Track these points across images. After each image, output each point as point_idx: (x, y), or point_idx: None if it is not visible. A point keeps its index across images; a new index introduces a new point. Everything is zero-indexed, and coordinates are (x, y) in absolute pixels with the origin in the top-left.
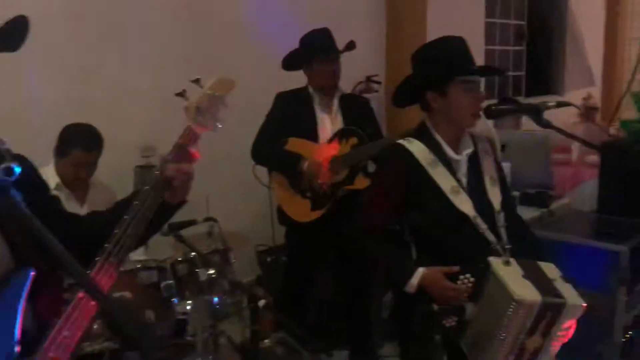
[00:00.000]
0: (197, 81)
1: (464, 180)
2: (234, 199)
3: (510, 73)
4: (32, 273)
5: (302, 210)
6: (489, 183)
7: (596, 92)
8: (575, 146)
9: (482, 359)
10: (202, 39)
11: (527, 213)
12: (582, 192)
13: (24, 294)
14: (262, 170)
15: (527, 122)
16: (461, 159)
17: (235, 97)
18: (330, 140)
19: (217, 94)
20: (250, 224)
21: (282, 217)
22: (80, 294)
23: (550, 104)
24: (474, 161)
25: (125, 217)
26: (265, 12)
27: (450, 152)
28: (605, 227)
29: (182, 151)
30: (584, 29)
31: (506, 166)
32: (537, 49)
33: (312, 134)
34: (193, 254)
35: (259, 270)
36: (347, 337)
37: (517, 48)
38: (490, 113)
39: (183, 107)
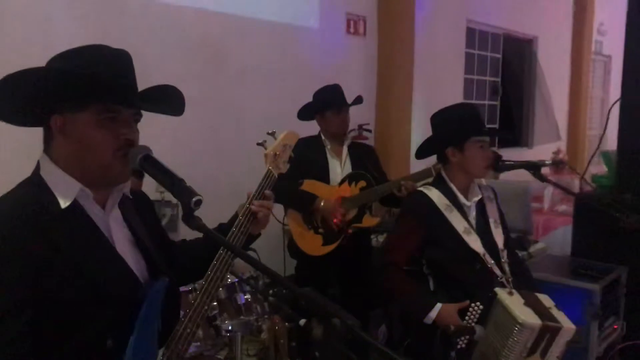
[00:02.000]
0: (272, 134)
1: (473, 222)
2: None
3: (486, 125)
4: (167, 280)
5: (314, 245)
6: (493, 225)
7: (562, 146)
8: (547, 196)
9: None
10: (218, 82)
11: None
12: (555, 237)
13: (160, 301)
14: (277, 209)
15: (504, 174)
16: (471, 204)
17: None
18: (341, 183)
19: (287, 144)
20: (264, 255)
21: (294, 250)
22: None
23: (547, 162)
24: (480, 206)
25: (221, 252)
26: (278, 63)
27: (462, 198)
28: (580, 268)
29: (265, 190)
30: (551, 87)
31: None
32: (510, 104)
33: (324, 177)
34: (230, 279)
35: None
36: None
37: (491, 102)
38: (499, 167)
39: (264, 154)
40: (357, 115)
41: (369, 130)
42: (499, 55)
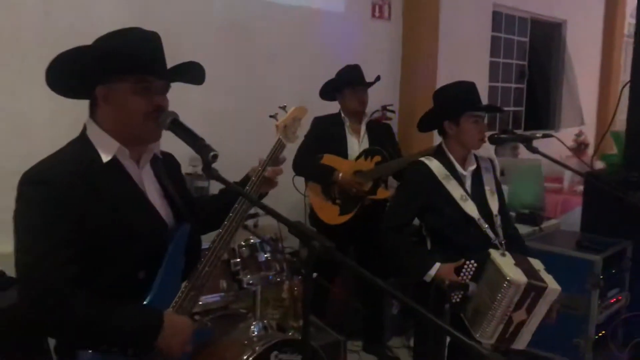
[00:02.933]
0: (284, 108)
1: (469, 190)
2: (273, 205)
3: (511, 108)
4: (189, 226)
5: (332, 215)
6: (489, 193)
7: (589, 130)
8: (567, 176)
9: (479, 327)
10: (247, 64)
11: (521, 229)
12: (572, 217)
13: (184, 243)
14: (298, 181)
15: (522, 152)
16: (467, 174)
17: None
18: (358, 158)
19: (297, 117)
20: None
21: (314, 220)
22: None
23: (537, 135)
24: (476, 175)
25: (247, 187)
26: (303, 47)
27: (459, 168)
28: (585, 242)
29: (275, 156)
30: (580, 72)
31: (504, 189)
32: (536, 88)
33: (342, 152)
34: (252, 239)
35: None
36: (362, 330)
37: (518, 86)
38: (493, 140)
39: (275, 125)
40: (381, 97)
41: (393, 111)
42: (526, 39)
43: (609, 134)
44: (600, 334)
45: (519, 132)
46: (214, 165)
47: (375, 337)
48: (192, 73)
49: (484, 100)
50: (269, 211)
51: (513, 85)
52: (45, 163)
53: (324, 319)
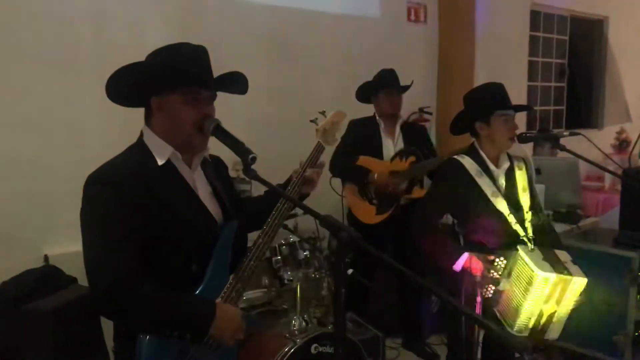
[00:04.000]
0: (323, 113)
1: (501, 187)
2: (312, 205)
3: (552, 107)
4: (236, 223)
5: (369, 214)
6: (521, 190)
7: (636, 128)
8: (608, 175)
9: (512, 320)
10: (287, 72)
11: (559, 228)
12: (612, 215)
13: (232, 239)
14: (335, 182)
15: (562, 152)
16: (499, 171)
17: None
18: (393, 159)
19: (335, 121)
20: None
21: (352, 220)
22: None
23: (565, 133)
24: (510, 173)
25: (288, 188)
26: (340, 53)
27: (492, 166)
28: (623, 239)
29: (314, 159)
30: (623, 67)
31: (541, 187)
32: (578, 86)
33: (377, 153)
34: (292, 238)
35: None
36: (401, 327)
37: (558, 84)
38: (521, 139)
39: (315, 129)
40: (419, 99)
41: (430, 113)
42: (566, 37)
43: None
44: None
45: (559, 131)
46: (253, 166)
47: (414, 334)
48: (236, 83)
49: (523, 100)
50: (301, 206)
51: (553, 84)
52: (108, 166)
53: (364, 315)
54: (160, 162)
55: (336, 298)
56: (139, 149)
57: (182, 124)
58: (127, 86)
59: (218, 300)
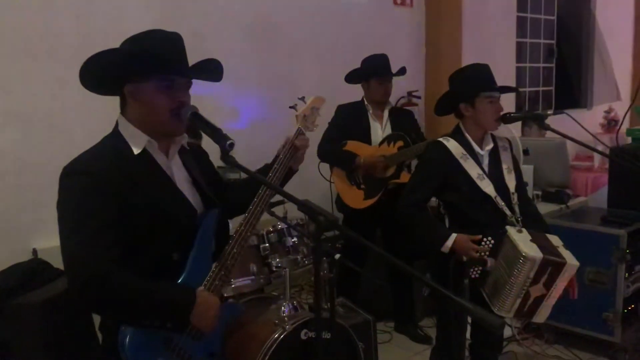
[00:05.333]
0: (302, 98)
1: (486, 169)
2: (301, 191)
3: (540, 88)
4: (217, 211)
5: (357, 199)
6: (506, 171)
7: (624, 106)
8: (597, 155)
9: (497, 301)
10: (273, 57)
11: (547, 208)
12: (601, 194)
13: (213, 227)
14: (324, 168)
15: (549, 132)
16: (484, 153)
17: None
18: (381, 143)
19: (315, 107)
20: None
21: (341, 205)
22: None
23: (548, 112)
24: (494, 155)
25: (269, 174)
26: (326, 37)
27: (476, 148)
28: (611, 217)
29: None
30: (611, 47)
31: (529, 168)
32: (567, 66)
33: (365, 138)
34: (280, 225)
35: None
36: (393, 311)
37: (547, 65)
38: (506, 119)
39: (295, 116)
40: (407, 83)
41: (418, 97)
42: (553, 17)
43: (633, 108)
44: (629, 308)
45: (544, 111)
46: (238, 153)
47: (407, 318)
48: (211, 71)
49: (511, 82)
50: (280, 191)
51: (542, 65)
52: (83, 156)
53: (355, 300)
54: (136, 151)
55: (315, 282)
56: (115, 138)
57: (157, 112)
58: (100, 74)
59: (200, 288)
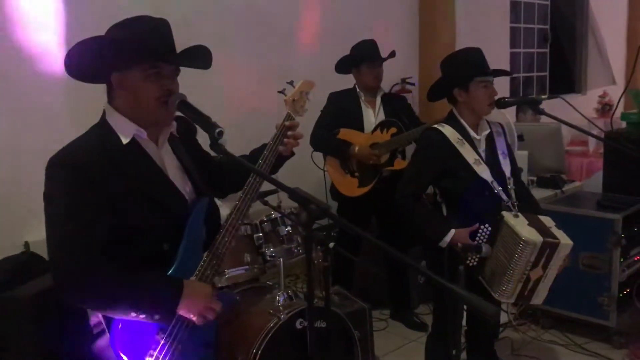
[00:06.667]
0: (291, 82)
1: (483, 154)
2: (295, 180)
3: (535, 74)
4: (207, 200)
5: (351, 187)
6: (501, 156)
7: (619, 90)
8: (592, 139)
9: (498, 287)
10: (264, 45)
11: (543, 193)
12: (596, 179)
13: (204, 215)
14: (317, 157)
15: (544, 117)
16: (480, 138)
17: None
18: (374, 130)
19: (304, 91)
20: None
21: (335, 193)
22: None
23: (543, 97)
24: (489, 140)
25: (259, 161)
26: (318, 23)
27: (472, 133)
28: (606, 202)
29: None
30: (606, 31)
31: (524, 154)
32: (561, 51)
33: (358, 125)
34: (274, 214)
35: None
36: (389, 298)
37: (540, 50)
38: (500, 104)
39: (284, 100)
40: (401, 69)
41: (412, 84)
42: (547, 2)
43: (628, 92)
44: (624, 292)
45: (540, 96)
46: (228, 141)
47: (402, 305)
48: (200, 58)
49: (506, 67)
50: (269, 179)
51: (536, 50)
52: (70, 147)
53: (351, 288)
54: (124, 141)
55: (307, 271)
56: (102, 128)
57: (145, 100)
58: (85, 62)
59: (192, 278)
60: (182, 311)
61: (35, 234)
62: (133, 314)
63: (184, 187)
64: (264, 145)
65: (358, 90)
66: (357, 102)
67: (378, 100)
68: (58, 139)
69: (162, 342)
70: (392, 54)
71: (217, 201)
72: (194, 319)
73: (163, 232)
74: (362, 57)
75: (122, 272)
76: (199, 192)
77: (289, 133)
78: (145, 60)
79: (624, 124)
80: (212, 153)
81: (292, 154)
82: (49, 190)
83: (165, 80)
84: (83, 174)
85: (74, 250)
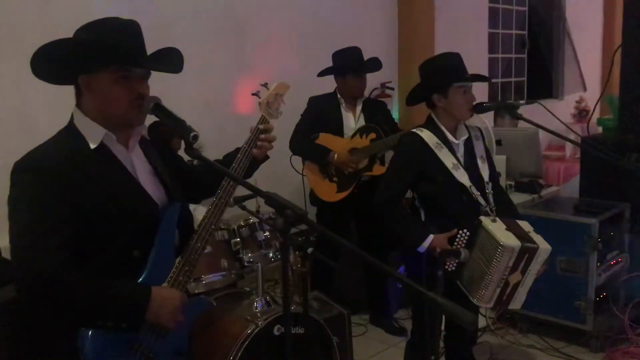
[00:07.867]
0: (265, 85)
1: (461, 159)
2: (274, 185)
3: (513, 79)
4: (179, 205)
5: (330, 192)
6: (480, 161)
7: (595, 96)
8: (569, 144)
9: (476, 292)
10: (240, 49)
11: (520, 198)
12: (573, 184)
13: (176, 220)
14: (296, 161)
15: (522, 122)
16: (459, 142)
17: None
18: (353, 136)
19: (279, 93)
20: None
21: (314, 198)
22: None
23: (521, 102)
24: (468, 145)
25: (233, 165)
26: (297, 28)
27: (451, 137)
28: (582, 206)
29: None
30: (582, 38)
31: (502, 158)
32: (538, 57)
33: (338, 130)
34: (252, 219)
35: None
36: (368, 303)
37: (519, 56)
38: (479, 109)
39: (258, 103)
40: (380, 74)
41: (392, 88)
42: (525, 8)
43: (604, 98)
44: (601, 296)
45: (519, 102)
46: (204, 145)
47: (381, 310)
48: (171, 61)
49: (484, 73)
50: (244, 184)
51: (514, 56)
52: (35, 152)
53: (330, 293)
54: (92, 146)
55: (283, 277)
56: (70, 132)
57: (114, 104)
58: (52, 64)
59: (164, 284)
60: (150, 318)
61: (6, 239)
62: (99, 322)
63: (156, 191)
64: (238, 149)
65: (339, 95)
66: (337, 107)
67: (359, 106)
68: (30, 144)
69: (133, 350)
70: (378, 66)
71: (191, 206)
72: (165, 325)
73: (133, 238)
74: (347, 69)
75: (89, 279)
76: (171, 197)
77: (262, 136)
78: (114, 63)
79: (600, 129)
80: (186, 157)
81: (267, 157)
82: (14, 196)
83: (135, 84)
84: (48, 180)
85: (40, 258)
